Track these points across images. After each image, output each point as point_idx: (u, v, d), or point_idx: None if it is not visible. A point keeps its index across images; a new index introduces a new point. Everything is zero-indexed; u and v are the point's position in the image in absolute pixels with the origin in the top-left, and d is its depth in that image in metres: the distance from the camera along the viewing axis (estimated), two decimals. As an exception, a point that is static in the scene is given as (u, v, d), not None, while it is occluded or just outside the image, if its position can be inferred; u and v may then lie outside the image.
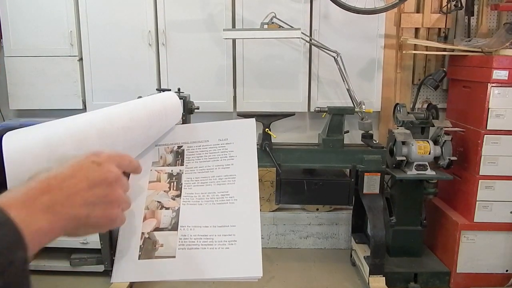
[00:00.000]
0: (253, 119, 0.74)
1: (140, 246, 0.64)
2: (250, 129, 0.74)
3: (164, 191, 0.69)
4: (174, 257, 0.62)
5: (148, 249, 0.63)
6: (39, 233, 0.43)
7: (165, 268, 0.61)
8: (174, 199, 0.68)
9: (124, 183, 0.53)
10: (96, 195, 0.49)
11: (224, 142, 0.72)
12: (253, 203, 0.66)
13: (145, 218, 0.66)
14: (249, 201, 0.66)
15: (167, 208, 0.67)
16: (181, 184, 0.69)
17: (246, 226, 0.63)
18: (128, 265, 0.62)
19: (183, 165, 0.71)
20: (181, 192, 0.68)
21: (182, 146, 0.73)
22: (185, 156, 0.72)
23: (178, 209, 0.66)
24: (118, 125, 0.64)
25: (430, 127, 2.64)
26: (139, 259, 0.62)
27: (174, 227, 0.65)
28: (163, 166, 0.72)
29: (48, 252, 2.82)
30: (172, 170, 0.71)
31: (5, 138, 0.54)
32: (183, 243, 0.63)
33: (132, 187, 0.70)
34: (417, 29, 2.90)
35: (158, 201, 0.68)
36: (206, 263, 0.60)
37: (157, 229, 0.65)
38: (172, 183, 0.70)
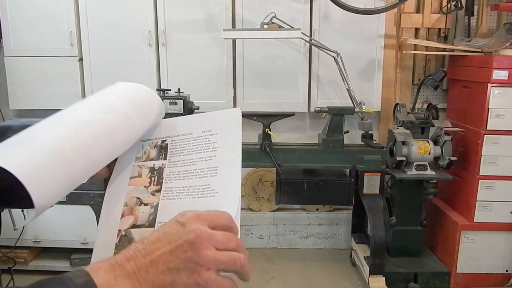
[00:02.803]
0: (239, 109, 0.70)
1: (116, 244, 0.62)
2: (235, 119, 0.69)
3: (144, 186, 0.67)
4: None
5: (124, 247, 0.59)
6: None
7: None
8: (153, 194, 0.65)
9: (216, 240, 0.48)
10: (180, 259, 0.47)
11: (208, 133, 0.68)
12: (233, 195, 0.62)
13: (123, 215, 0.64)
14: (230, 194, 0.62)
15: (145, 204, 0.65)
16: (162, 178, 0.67)
17: None
18: None
19: (166, 159, 0.68)
20: (161, 186, 0.66)
21: (166, 140, 0.70)
22: (168, 150, 0.69)
23: (157, 204, 0.64)
24: (100, 148, 0.60)
25: (430, 127, 2.64)
26: None
27: (152, 223, 0.62)
28: (146, 161, 0.69)
29: (48, 252, 2.83)
30: (154, 164, 0.68)
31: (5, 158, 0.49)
32: None
33: (112, 184, 0.67)
34: (417, 29, 2.89)
35: (137, 197, 0.66)
36: None
37: (134, 226, 0.63)
38: (153, 178, 0.67)
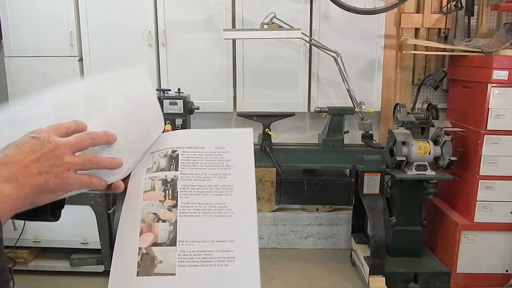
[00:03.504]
0: (251, 129, 0.72)
1: (138, 262, 0.61)
2: (247, 139, 0.71)
3: (160, 200, 0.66)
4: (174, 274, 0.60)
5: (147, 265, 0.61)
6: (9, 200, 0.50)
7: (165, 286, 0.59)
8: (170, 210, 0.65)
9: (71, 145, 0.57)
10: (46, 164, 0.55)
11: (221, 150, 0.69)
12: (250, 216, 0.64)
13: (141, 232, 0.64)
14: (247, 215, 0.64)
15: (163, 221, 0.64)
16: (177, 192, 0.66)
17: (244, 242, 0.62)
18: (126, 283, 0.60)
19: (177, 170, 0.68)
20: (177, 201, 0.65)
21: (176, 150, 0.70)
22: (179, 161, 0.69)
23: (175, 221, 0.64)
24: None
25: (430, 127, 2.64)
26: (137, 276, 0.60)
27: (173, 242, 0.62)
28: (157, 171, 0.68)
29: (48, 252, 2.83)
30: (166, 176, 0.68)
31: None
32: (182, 260, 0.61)
33: (127, 199, 0.67)
34: (417, 29, 2.89)
35: (154, 213, 0.65)
36: (206, 281, 0.59)
37: (155, 244, 0.63)
38: (167, 191, 0.66)
